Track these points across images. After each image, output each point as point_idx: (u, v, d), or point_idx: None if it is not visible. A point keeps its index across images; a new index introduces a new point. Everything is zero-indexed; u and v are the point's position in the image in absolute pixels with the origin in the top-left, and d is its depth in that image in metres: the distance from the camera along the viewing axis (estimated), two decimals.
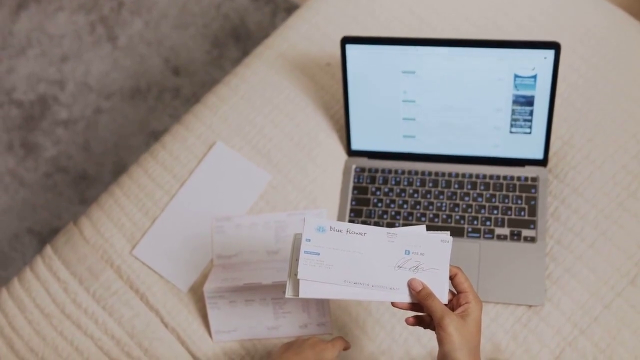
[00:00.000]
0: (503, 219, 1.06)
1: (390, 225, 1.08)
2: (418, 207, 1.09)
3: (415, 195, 1.10)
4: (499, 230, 1.05)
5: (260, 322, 1.03)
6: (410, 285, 0.78)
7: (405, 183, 1.11)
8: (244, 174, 1.14)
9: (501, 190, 1.08)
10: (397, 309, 0.80)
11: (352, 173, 1.13)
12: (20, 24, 2.11)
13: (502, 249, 1.04)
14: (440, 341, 0.75)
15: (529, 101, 1.04)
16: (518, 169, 1.09)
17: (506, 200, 1.07)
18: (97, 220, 1.14)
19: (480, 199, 1.08)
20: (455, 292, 0.79)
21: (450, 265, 0.79)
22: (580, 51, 1.17)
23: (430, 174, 1.11)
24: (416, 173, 1.11)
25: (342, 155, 1.16)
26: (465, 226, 1.06)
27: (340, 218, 1.10)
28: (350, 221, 1.10)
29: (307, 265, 0.78)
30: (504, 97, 1.05)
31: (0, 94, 2.03)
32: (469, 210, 1.07)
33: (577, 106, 1.13)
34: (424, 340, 1.00)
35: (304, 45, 1.25)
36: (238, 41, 2.01)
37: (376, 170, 1.13)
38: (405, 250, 0.79)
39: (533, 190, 1.07)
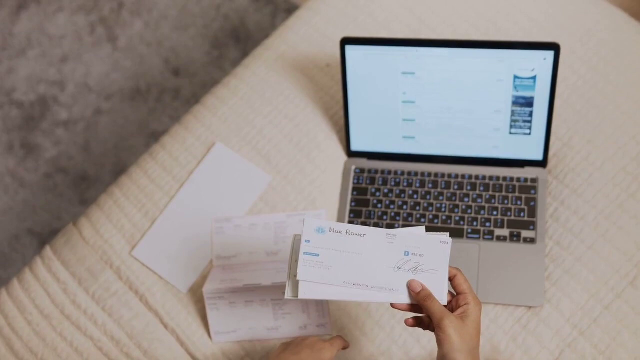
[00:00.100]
0: (503, 220, 1.06)
1: (390, 226, 1.08)
2: (418, 208, 1.09)
3: (415, 196, 1.10)
4: (498, 232, 1.05)
5: (260, 323, 1.03)
6: (409, 287, 0.78)
7: (405, 184, 1.11)
8: (243, 175, 1.14)
9: (501, 191, 1.08)
10: (397, 310, 0.80)
11: (352, 174, 1.13)
12: (20, 25, 2.11)
13: (501, 250, 1.04)
14: (439, 342, 0.75)
15: (528, 102, 1.04)
16: (518, 170, 1.09)
17: (506, 202, 1.07)
18: (96, 221, 1.14)
19: (480, 200, 1.08)
20: (455, 294, 0.79)
21: (449, 266, 0.79)
22: (580, 52, 1.17)
23: (429, 175, 1.11)
24: (416, 174, 1.11)
25: (342, 156, 1.16)
26: (465, 227, 1.06)
27: (340, 219, 1.10)
28: (349, 222, 1.10)
29: (307, 267, 0.78)
30: (504, 98, 1.05)
31: (0, 94, 2.03)
32: (469, 211, 1.07)
33: (576, 107, 1.13)
34: (423, 342, 1.00)
35: (304, 46, 1.25)
36: (238, 42, 2.01)
37: (376, 171, 1.13)
38: (405, 252, 0.79)
39: (533, 192, 1.07)
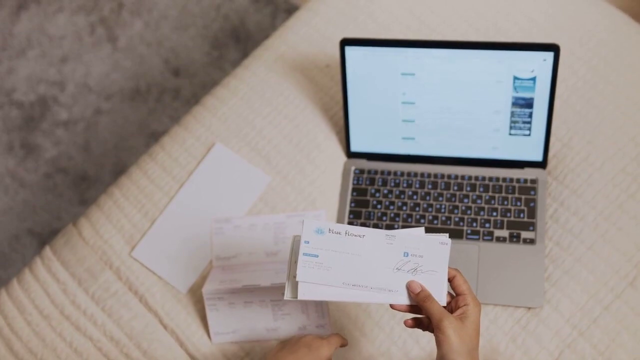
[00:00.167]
0: (502, 221, 1.06)
1: (390, 226, 1.08)
2: (417, 208, 1.09)
3: (415, 197, 1.10)
4: (498, 232, 1.05)
5: (259, 324, 1.03)
6: (408, 287, 0.78)
7: (405, 185, 1.11)
8: (243, 176, 1.14)
9: (500, 192, 1.08)
10: (396, 311, 0.80)
11: (352, 175, 1.13)
12: (20, 25, 2.11)
13: (501, 251, 1.04)
14: (438, 343, 0.75)
15: (528, 103, 1.04)
16: (517, 170, 1.09)
17: (505, 202, 1.07)
18: (96, 222, 1.14)
19: (480, 201, 1.08)
20: (454, 295, 0.79)
21: (449, 267, 0.79)
22: (579, 53, 1.17)
23: (429, 175, 1.11)
24: (415, 175, 1.11)
25: (342, 157, 1.16)
26: (465, 228, 1.06)
27: (340, 220, 1.10)
28: (349, 223, 1.10)
29: (306, 268, 0.78)
30: (504, 99, 1.05)
31: (0, 94, 2.03)
32: (468, 212, 1.07)
33: (576, 108, 1.13)
34: (422, 342, 1.00)
35: (304, 46, 1.25)
36: (238, 42, 2.01)
37: (375, 172, 1.13)
38: (404, 253, 0.79)
39: (532, 192, 1.07)
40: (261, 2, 2.04)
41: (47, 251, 1.14)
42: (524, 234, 1.04)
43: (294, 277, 0.79)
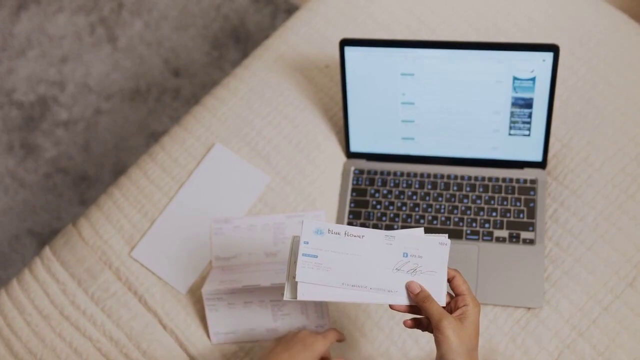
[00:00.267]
0: (502, 221, 1.06)
1: (389, 227, 1.08)
2: (417, 209, 1.09)
3: (414, 197, 1.10)
4: (497, 233, 1.05)
5: (259, 324, 1.03)
6: (408, 288, 0.78)
7: (404, 185, 1.11)
8: (242, 176, 1.14)
9: (500, 192, 1.08)
10: (396, 311, 0.80)
11: (351, 175, 1.13)
12: (20, 25, 2.11)
13: (500, 251, 1.04)
14: (438, 344, 0.75)
15: (527, 103, 1.04)
16: (517, 171, 1.09)
17: (505, 203, 1.07)
18: (95, 222, 1.14)
19: (479, 201, 1.08)
20: (453, 295, 0.79)
21: (448, 267, 0.79)
22: (579, 53, 1.17)
23: (429, 176, 1.11)
24: (415, 175, 1.11)
25: (341, 157, 1.16)
26: (464, 228, 1.06)
27: (339, 220, 1.10)
28: (349, 223, 1.10)
29: (305, 268, 0.78)
30: (503, 100, 1.05)
31: (0, 94, 2.03)
32: (468, 212, 1.07)
33: (576, 109, 1.13)
34: (422, 343, 1.00)
35: (303, 47, 1.25)
36: (238, 42, 2.01)
37: (375, 172, 1.13)
38: (404, 253, 0.79)
39: (532, 193, 1.07)
40: (261, 2, 2.04)
41: (47, 251, 1.14)
42: (524, 234, 1.04)
43: (294, 277, 0.79)
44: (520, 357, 0.97)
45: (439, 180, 1.11)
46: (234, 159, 1.16)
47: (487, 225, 1.06)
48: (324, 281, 0.78)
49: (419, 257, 0.79)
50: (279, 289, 1.00)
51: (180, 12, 2.07)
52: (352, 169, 1.14)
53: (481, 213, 1.07)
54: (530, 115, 1.05)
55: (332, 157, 1.15)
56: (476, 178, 1.10)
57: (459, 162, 1.11)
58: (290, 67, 1.23)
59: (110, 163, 1.92)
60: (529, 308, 1.00)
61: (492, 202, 1.07)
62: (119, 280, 1.09)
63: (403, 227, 1.08)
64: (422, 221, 1.08)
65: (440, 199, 1.09)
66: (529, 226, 1.05)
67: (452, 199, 1.09)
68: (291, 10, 2.01)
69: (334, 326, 1.03)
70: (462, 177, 1.10)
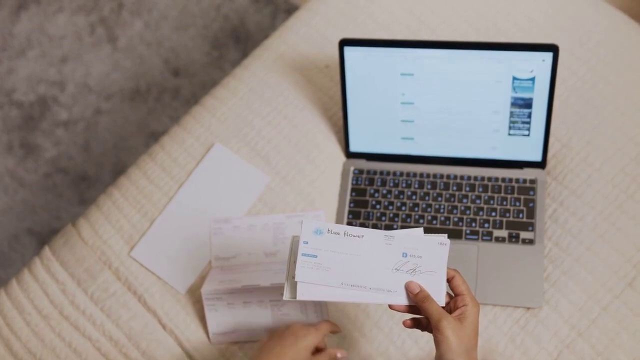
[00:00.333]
0: (501, 221, 1.06)
1: (389, 227, 1.08)
2: (416, 209, 1.09)
3: (414, 197, 1.10)
4: (497, 232, 1.05)
5: (258, 324, 1.03)
6: (407, 288, 0.78)
7: (404, 185, 1.11)
8: (242, 176, 1.14)
9: (499, 192, 1.08)
10: (395, 311, 0.80)
11: (351, 175, 1.13)
12: (20, 25, 2.11)
13: (500, 251, 1.04)
14: (437, 344, 0.75)
15: (527, 103, 1.04)
16: (516, 171, 1.09)
17: (504, 203, 1.07)
18: (95, 222, 1.14)
19: (479, 201, 1.08)
20: (453, 295, 0.79)
21: (447, 267, 0.79)
22: (578, 53, 1.17)
23: (428, 176, 1.11)
24: (414, 175, 1.11)
25: (341, 157, 1.16)
26: (464, 228, 1.06)
27: (339, 220, 1.10)
28: (348, 223, 1.10)
29: (305, 268, 0.78)
30: (503, 100, 1.05)
31: (0, 94, 2.03)
32: (467, 212, 1.07)
33: (575, 109, 1.13)
34: (421, 343, 1.00)
35: (303, 47, 1.25)
36: (238, 42, 2.01)
37: (374, 172, 1.13)
38: (403, 253, 0.79)
39: (531, 193, 1.07)
40: (261, 2, 2.04)
41: (46, 251, 1.14)
42: (523, 234, 1.04)
43: (293, 277, 0.79)
44: (519, 357, 0.97)
45: (438, 180, 1.11)
46: (234, 159, 1.16)
47: (486, 225, 1.06)
48: (323, 281, 0.78)
49: (418, 257, 0.79)
50: (279, 289, 1.00)
51: (180, 12, 2.07)
52: (352, 168, 1.14)
53: (480, 213, 1.07)
54: (529, 115, 1.05)
55: (332, 157, 1.16)
56: (475, 178, 1.10)
57: (459, 162, 1.11)
58: (290, 67, 1.23)
59: (110, 163, 1.92)
60: (528, 308, 1.00)
61: (492, 202, 1.08)
62: (119, 280, 1.09)
63: (402, 227, 1.08)
64: (421, 221, 1.08)
65: (439, 198, 1.09)
66: (529, 226, 1.05)
67: (452, 199, 1.09)
68: (291, 10, 2.01)
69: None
70: (462, 177, 1.10)
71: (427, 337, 1.00)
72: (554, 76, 1.01)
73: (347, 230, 0.79)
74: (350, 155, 1.15)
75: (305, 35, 1.26)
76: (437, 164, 1.12)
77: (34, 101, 2.01)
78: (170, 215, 1.13)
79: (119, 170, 1.89)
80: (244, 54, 1.96)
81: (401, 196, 1.10)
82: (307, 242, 0.79)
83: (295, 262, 0.79)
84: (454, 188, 1.10)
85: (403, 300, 0.79)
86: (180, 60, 2.01)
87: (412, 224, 1.08)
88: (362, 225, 1.09)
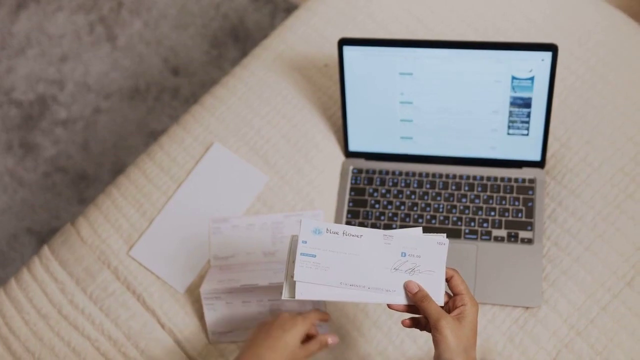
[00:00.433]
0: (500, 221, 1.06)
1: (388, 226, 1.08)
2: (415, 208, 1.09)
3: (413, 196, 1.10)
4: (496, 232, 1.05)
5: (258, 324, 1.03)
6: (406, 288, 0.78)
7: (403, 184, 1.11)
8: (241, 175, 1.14)
9: (498, 191, 1.08)
10: (394, 311, 0.80)
11: (350, 174, 1.13)
12: (19, 24, 2.11)
13: (499, 251, 1.04)
14: (435, 343, 0.75)
15: (526, 103, 1.04)
16: (515, 170, 1.09)
17: (503, 202, 1.07)
18: (94, 221, 1.14)
19: (478, 201, 1.08)
20: (452, 295, 0.79)
21: (446, 267, 0.79)
22: (578, 53, 1.17)
23: (427, 175, 1.11)
24: (413, 174, 1.11)
25: (340, 157, 1.16)
26: (463, 228, 1.06)
27: (338, 219, 1.10)
28: (347, 222, 1.10)
29: (304, 267, 0.78)
30: (502, 99, 1.05)
31: None
32: (466, 211, 1.07)
33: (574, 108, 1.13)
34: (420, 342, 1.00)
35: (302, 46, 1.25)
36: (237, 41, 2.01)
37: (373, 172, 1.13)
38: (402, 253, 0.79)
39: (530, 192, 1.07)
40: (260, 1, 2.04)
41: (45, 251, 1.14)
42: (522, 234, 1.04)
43: (292, 276, 0.79)
44: (518, 357, 0.98)
45: (437, 180, 1.11)
46: (233, 159, 1.16)
47: (485, 224, 1.06)
48: (322, 280, 0.78)
49: (417, 256, 0.79)
50: (278, 288, 1.00)
51: (179, 11, 2.07)
52: (351, 168, 1.14)
53: (480, 212, 1.07)
54: (528, 115, 1.05)
55: (331, 157, 1.15)
56: (475, 177, 1.10)
57: (458, 161, 1.11)
58: (289, 67, 1.23)
59: (110, 162, 1.92)
60: (527, 307, 1.00)
61: (491, 201, 1.08)
62: (118, 280, 1.09)
63: (401, 227, 1.08)
64: (420, 220, 1.08)
65: (438, 198, 1.09)
66: (528, 225, 1.05)
67: (451, 199, 1.09)
68: (290, 9, 2.01)
69: (332, 325, 1.03)
70: (461, 177, 1.10)
71: (426, 336, 1.00)
72: (553, 76, 1.01)
73: (345, 230, 0.79)
74: (349, 154, 1.15)
75: (305, 35, 1.26)
76: (436, 164, 1.12)
77: (33, 100, 2.01)
78: (169, 215, 1.13)
79: (118, 169, 1.89)
80: (244, 52, 1.96)
81: (400, 195, 1.10)
82: (305, 242, 0.79)
83: (294, 261, 0.79)
84: (453, 187, 1.10)
85: (402, 300, 0.79)
86: (179, 59, 2.01)
87: (411, 223, 1.08)
88: (361, 224, 1.09)
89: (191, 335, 1.05)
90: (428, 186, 1.10)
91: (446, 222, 1.07)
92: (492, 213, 1.07)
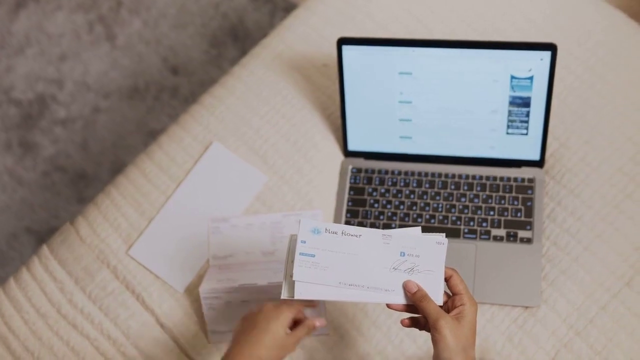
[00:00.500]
0: (499, 220, 1.06)
1: (387, 225, 1.08)
2: (414, 208, 1.09)
3: (412, 196, 1.10)
4: (495, 232, 1.05)
5: None
6: (405, 287, 0.78)
7: (402, 184, 1.11)
8: (240, 175, 1.14)
9: (498, 191, 1.08)
10: (393, 310, 0.80)
11: (349, 174, 1.13)
12: (19, 23, 2.11)
13: (498, 250, 1.04)
14: (435, 343, 0.75)
15: (525, 102, 1.04)
16: (514, 170, 1.09)
17: (502, 202, 1.07)
18: (93, 220, 1.14)
19: (477, 200, 1.08)
20: (450, 294, 0.79)
21: (445, 267, 0.79)
22: (577, 53, 1.17)
23: (426, 174, 1.11)
24: (412, 174, 1.11)
25: (339, 156, 1.16)
26: (462, 227, 1.06)
27: (337, 219, 1.10)
28: (346, 222, 1.10)
29: (303, 267, 0.78)
30: (501, 99, 1.05)
31: None
32: (466, 211, 1.07)
33: (573, 108, 1.13)
34: (419, 342, 1.00)
35: (301, 46, 1.25)
36: (236, 40, 2.01)
37: (373, 171, 1.13)
38: (401, 252, 0.79)
39: (529, 192, 1.07)
40: (260, 1, 2.04)
41: (45, 250, 1.14)
42: (521, 233, 1.04)
43: (291, 276, 0.79)
44: (517, 356, 0.98)
45: (436, 179, 1.11)
46: (232, 158, 1.16)
47: (484, 224, 1.06)
48: (321, 280, 0.78)
49: (416, 256, 0.79)
50: (277, 287, 1.00)
51: (178, 11, 2.07)
52: (350, 167, 1.14)
53: (479, 212, 1.07)
54: (527, 114, 1.05)
55: (330, 156, 1.15)
56: (474, 177, 1.10)
57: (457, 161, 1.11)
58: (288, 66, 1.23)
59: (109, 161, 1.92)
60: (526, 307, 1.00)
61: (490, 201, 1.08)
62: (117, 279, 1.09)
63: (401, 226, 1.08)
64: (419, 220, 1.08)
65: (438, 197, 1.09)
66: (527, 225, 1.05)
67: (450, 198, 1.09)
68: (290, 8, 2.00)
69: (331, 324, 1.03)
70: (460, 176, 1.10)
71: (425, 336, 1.00)
72: (552, 75, 1.01)
73: (344, 230, 0.79)
74: (348, 154, 1.15)
75: (304, 34, 1.26)
76: (435, 163, 1.12)
77: (32, 99, 2.01)
78: (168, 214, 1.13)
79: (117, 168, 1.89)
80: (243, 52, 1.96)
81: (399, 195, 1.10)
82: (304, 242, 0.79)
83: (293, 261, 0.79)
84: (452, 187, 1.10)
85: (401, 300, 0.79)
86: (178, 58, 2.01)
87: (410, 222, 1.08)
88: (360, 224, 1.09)
89: (190, 334, 1.05)
90: (427, 185, 1.10)
91: (445, 221, 1.07)
92: (491, 212, 1.07)
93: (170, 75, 1.99)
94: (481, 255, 1.04)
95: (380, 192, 1.11)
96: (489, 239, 1.05)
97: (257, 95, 1.21)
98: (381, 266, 0.79)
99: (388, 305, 0.79)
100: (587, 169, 1.08)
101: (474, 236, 1.05)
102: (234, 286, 1.00)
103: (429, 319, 0.76)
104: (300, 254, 0.78)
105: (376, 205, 1.10)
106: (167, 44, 2.03)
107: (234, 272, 1.05)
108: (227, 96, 1.21)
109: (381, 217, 1.09)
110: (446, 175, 1.11)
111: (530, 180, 1.08)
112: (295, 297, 0.79)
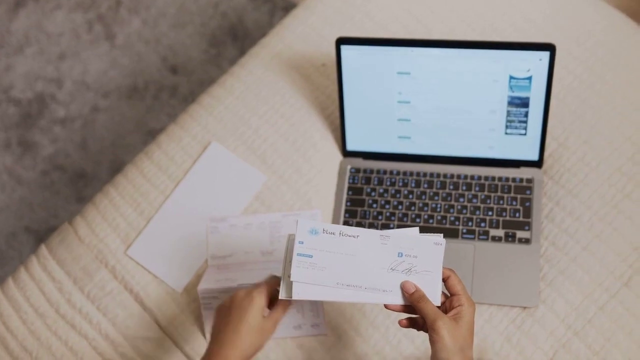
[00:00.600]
0: (498, 221, 1.06)
1: (385, 226, 1.08)
2: (413, 208, 1.09)
3: (410, 196, 1.10)
4: (493, 232, 1.05)
5: None
6: (403, 288, 0.78)
7: (400, 184, 1.11)
8: (238, 174, 1.14)
9: (496, 191, 1.08)
10: (391, 311, 0.80)
11: (347, 174, 1.13)
12: (18, 22, 2.11)
13: (496, 251, 1.04)
14: (432, 343, 0.75)
15: (524, 103, 1.04)
16: (513, 170, 1.09)
17: (501, 202, 1.07)
18: (92, 220, 1.14)
19: (475, 200, 1.08)
20: (448, 294, 0.79)
21: (443, 267, 0.79)
22: (576, 53, 1.17)
23: (425, 175, 1.11)
24: (411, 174, 1.11)
25: (337, 156, 1.16)
26: (460, 227, 1.06)
27: (335, 219, 1.10)
28: (345, 222, 1.10)
29: (300, 268, 0.78)
30: (499, 99, 1.05)
31: None
32: (464, 211, 1.07)
33: (572, 108, 1.13)
34: (417, 342, 1.00)
35: (300, 45, 1.25)
36: (236, 40, 2.01)
37: (371, 171, 1.13)
38: (399, 253, 0.79)
39: (528, 192, 1.07)
40: (259, 0, 2.04)
41: (43, 250, 1.14)
42: (520, 234, 1.04)
43: (289, 276, 0.79)
44: (515, 357, 0.98)
45: (435, 179, 1.11)
46: (230, 158, 1.16)
47: (483, 224, 1.06)
48: (319, 281, 0.78)
49: (413, 256, 0.79)
50: None
51: (178, 10, 2.06)
52: (349, 167, 1.14)
53: (477, 212, 1.07)
54: (526, 115, 1.05)
55: (329, 156, 1.15)
56: (472, 177, 1.10)
57: (455, 161, 1.11)
58: (287, 66, 1.23)
59: (108, 160, 1.91)
60: (525, 307, 1.00)
61: (488, 201, 1.07)
62: (115, 279, 1.09)
63: (399, 226, 1.08)
64: (418, 220, 1.08)
65: (436, 198, 1.09)
66: (525, 225, 1.05)
67: (449, 198, 1.09)
68: (289, 8, 2.00)
69: (329, 324, 1.03)
70: (459, 176, 1.10)
71: (423, 336, 1.00)
72: (551, 75, 1.01)
73: (342, 230, 0.79)
74: (347, 154, 1.15)
75: (302, 34, 1.26)
76: (433, 163, 1.12)
77: (31, 98, 2.01)
78: (166, 214, 1.12)
79: (116, 168, 1.88)
80: (242, 51, 1.96)
81: (398, 195, 1.10)
82: (302, 242, 0.79)
83: (291, 261, 0.79)
84: (451, 187, 1.10)
85: (399, 300, 0.79)
86: (178, 57, 2.01)
87: (408, 223, 1.08)
88: (359, 224, 1.09)
89: (188, 334, 1.05)
90: (426, 186, 1.10)
91: (444, 221, 1.07)
92: (490, 213, 1.07)
93: (170, 75, 1.99)
94: (479, 256, 1.04)
95: (378, 192, 1.11)
96: (487, 239, 1.05)
97: (256, 95, 1.21)
98: (379, 267, 0.79)
99: (386, 306, 0.79)
100: (586, 169, 1.08)
101: (472, 236, 1.05)
102: (233, 286, 1.00)
103: (426, 319, 0.76)
104: (298, 254, 0.78)
105: (375, 205, 1.10)
106: (167, 43, 2.03)
107: (232, 271, 1.05)
108: (226, 96, 1.21)
109: (379, 217, 1.09)
110: (445, 176, 1.11)
111: (529, 181, 1.08)
112: (293, 298, 0.79)
